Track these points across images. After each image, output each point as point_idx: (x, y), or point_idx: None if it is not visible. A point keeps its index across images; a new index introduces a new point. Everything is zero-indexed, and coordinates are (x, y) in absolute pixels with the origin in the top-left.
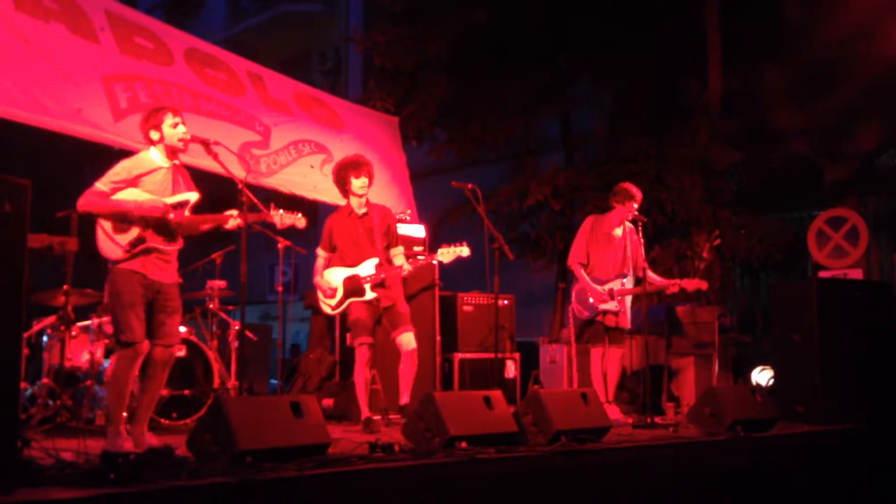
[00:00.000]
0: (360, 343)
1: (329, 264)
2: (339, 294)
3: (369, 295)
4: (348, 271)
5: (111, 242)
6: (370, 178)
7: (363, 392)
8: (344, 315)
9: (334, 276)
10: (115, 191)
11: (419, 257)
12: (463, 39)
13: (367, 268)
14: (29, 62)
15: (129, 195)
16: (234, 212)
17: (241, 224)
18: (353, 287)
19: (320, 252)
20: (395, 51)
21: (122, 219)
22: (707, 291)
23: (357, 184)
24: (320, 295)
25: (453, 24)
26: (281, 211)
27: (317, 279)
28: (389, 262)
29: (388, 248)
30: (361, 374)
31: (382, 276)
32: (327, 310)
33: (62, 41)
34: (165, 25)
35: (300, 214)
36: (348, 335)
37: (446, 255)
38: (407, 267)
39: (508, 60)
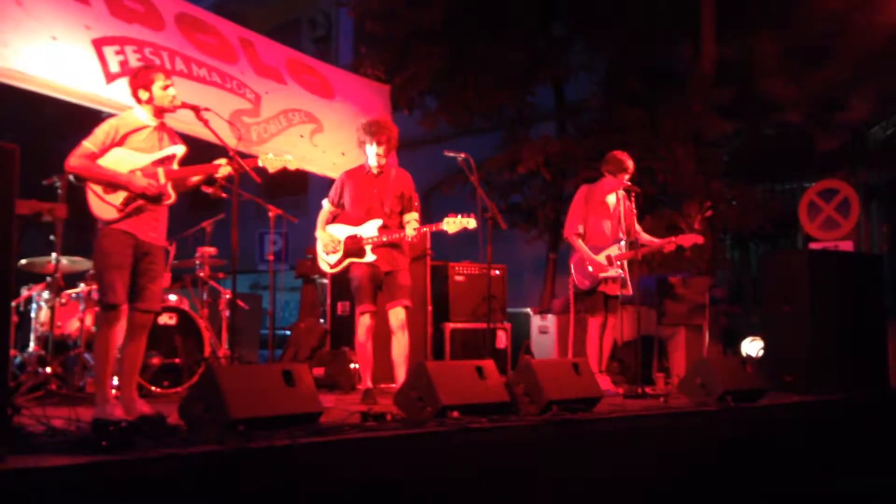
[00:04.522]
0: (362, 312)
1: (334, 220)
2: (341, 252)
3: (369, 257)
4: (351, 230)
5: (103, 203)
6: (388, 145)
7: (365, 362)
8: (336, 283)
9: (337, 232)
10: (103, 150)
11: (423, 227)
12: (456, 6)
13: (370, 229)
14: (20, 23)
15: (116, 157)
16: (223, 160)
17: (232, 171)
18: (354, 247)
19: (325, 204)
20: (388, 16)
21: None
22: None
23: (370, 150)
24: (320, 249)
25: None
26: (270, 154)
27: (318, 232)
28: (399, 226)
29: (402, 213)
30: (362, 344)
31: (384, 238)
32: (325, 267)
33: (53, 2)
34: None
35: (289, 156)
36: (339, 304)
37: (452, 224)
38: (410, 233)
39: (502, 28)
